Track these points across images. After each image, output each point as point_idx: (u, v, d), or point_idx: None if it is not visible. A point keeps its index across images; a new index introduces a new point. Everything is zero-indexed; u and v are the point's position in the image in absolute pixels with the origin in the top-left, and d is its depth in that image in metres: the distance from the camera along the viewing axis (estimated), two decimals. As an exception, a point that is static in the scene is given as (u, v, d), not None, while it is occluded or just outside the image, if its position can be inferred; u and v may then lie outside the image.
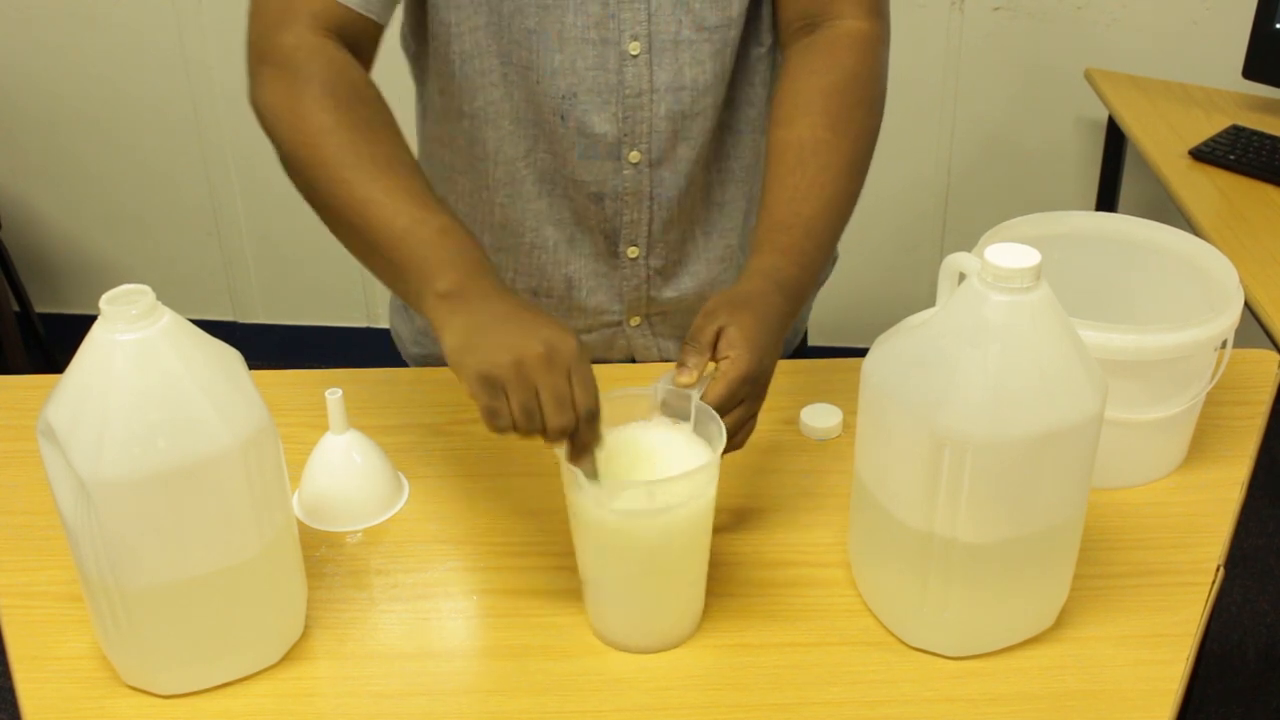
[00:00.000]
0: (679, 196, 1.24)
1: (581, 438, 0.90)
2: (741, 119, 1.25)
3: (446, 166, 1.27)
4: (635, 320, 1.32)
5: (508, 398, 0.89)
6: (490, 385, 0.89)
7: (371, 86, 1.07)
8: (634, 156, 1.20)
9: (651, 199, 1.23)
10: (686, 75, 1.18)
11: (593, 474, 0.91)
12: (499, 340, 0.90)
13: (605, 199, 1.23)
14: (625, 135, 1.19)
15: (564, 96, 1.17)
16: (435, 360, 1.38)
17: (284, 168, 1.06)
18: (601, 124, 1.18)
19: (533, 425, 0.89)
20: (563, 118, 1.18)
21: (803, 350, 1.49)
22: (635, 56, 1.16)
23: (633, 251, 1.27)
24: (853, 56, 1.17)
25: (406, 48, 1.27)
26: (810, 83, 1.16)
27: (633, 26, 1.15)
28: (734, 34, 1.18)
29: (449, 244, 0.98)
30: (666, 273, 1.29)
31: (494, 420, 0.90)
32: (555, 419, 0.89)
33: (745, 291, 1.04)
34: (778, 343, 1.03)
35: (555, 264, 1.28)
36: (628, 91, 1.17)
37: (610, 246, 1.27)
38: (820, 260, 1.11)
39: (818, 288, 1.34)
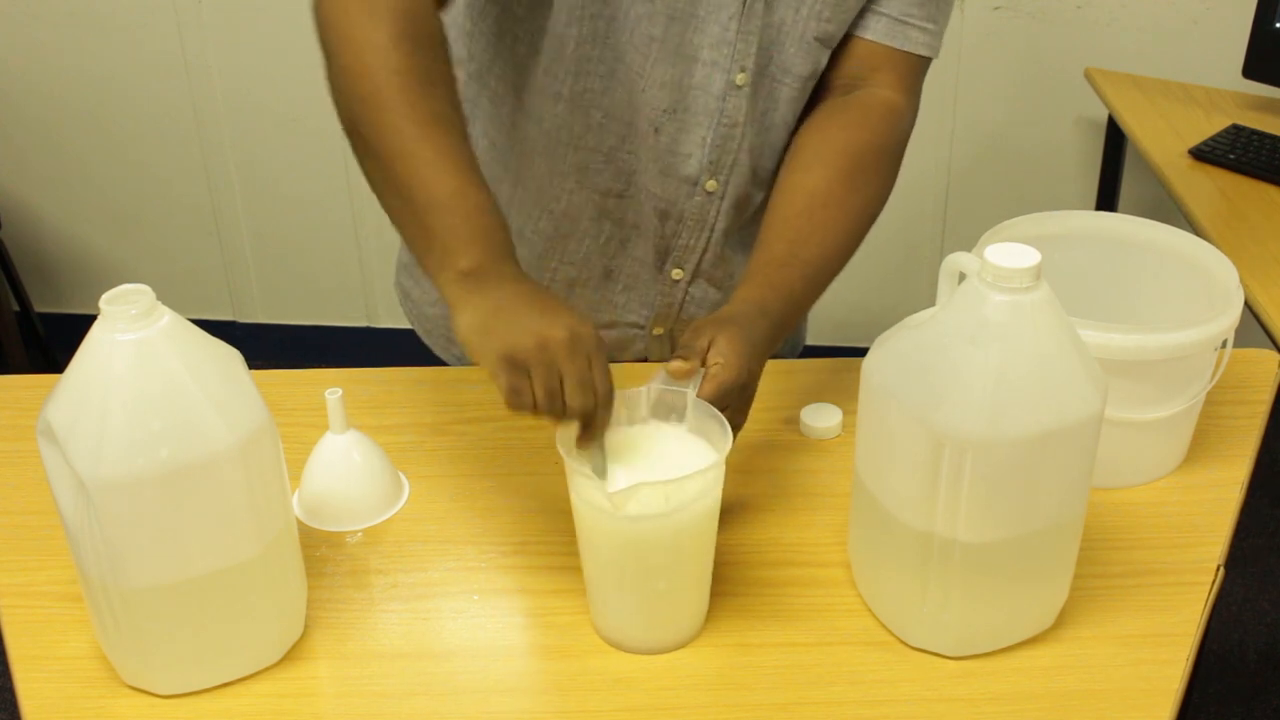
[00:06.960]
0: (739, 235, 1.26)
1: (597, 421, 0.92)
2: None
3: (529, 144, 1.24)
4: (659, 330, 1.33)
5: (531, 378, 0.90)
6: (514, 365, 0.90)
7: (443, 35, 1.03)
8: (710, 185, 1.21)
9: (712, 230, 1.25)
10: (775, 117, 1.20)
11: (601, 466, 0.93)
12: (521, 323, 0.91)
13: (669, 218, 1.24)
14: (710, 163, 1.20)
15: (665, 110, 1.17)
16: None
17: (330, 86, 1.02)
18: (689, 145, 1.19)
19: (553, 406, 0.91)
20: (656, 130, 1.18)
21: (802, 352, 1.49)
22: (740, 88, 1.16)
23: (677, 274, 1.28)
24: (882, 124, 1.19)
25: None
26: (836, 135, 1.18)
27: (744, 58, 1.15)
28: (810, 85, 1.20)
29: (481, 222, 0.97)
30: (704, 302, 1.31)
31: (516, 399, 0.91)
32: (577, 401, 0.90)
33: (731, 313, 1.06)
34: (761, 360, 1.05)
35: (602, 257, 1.28)
36: (725, 120, 1.18)
37: (658, 261, 1.27)
38: (806, 303, 1.13)
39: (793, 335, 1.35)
